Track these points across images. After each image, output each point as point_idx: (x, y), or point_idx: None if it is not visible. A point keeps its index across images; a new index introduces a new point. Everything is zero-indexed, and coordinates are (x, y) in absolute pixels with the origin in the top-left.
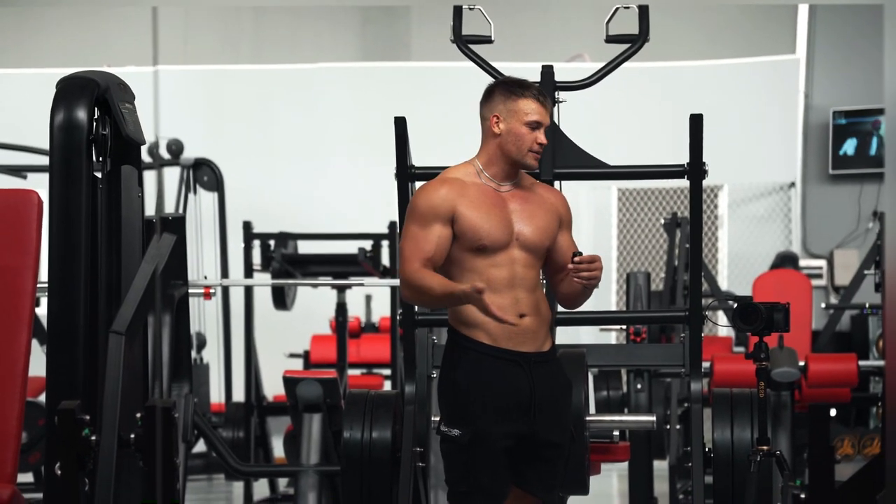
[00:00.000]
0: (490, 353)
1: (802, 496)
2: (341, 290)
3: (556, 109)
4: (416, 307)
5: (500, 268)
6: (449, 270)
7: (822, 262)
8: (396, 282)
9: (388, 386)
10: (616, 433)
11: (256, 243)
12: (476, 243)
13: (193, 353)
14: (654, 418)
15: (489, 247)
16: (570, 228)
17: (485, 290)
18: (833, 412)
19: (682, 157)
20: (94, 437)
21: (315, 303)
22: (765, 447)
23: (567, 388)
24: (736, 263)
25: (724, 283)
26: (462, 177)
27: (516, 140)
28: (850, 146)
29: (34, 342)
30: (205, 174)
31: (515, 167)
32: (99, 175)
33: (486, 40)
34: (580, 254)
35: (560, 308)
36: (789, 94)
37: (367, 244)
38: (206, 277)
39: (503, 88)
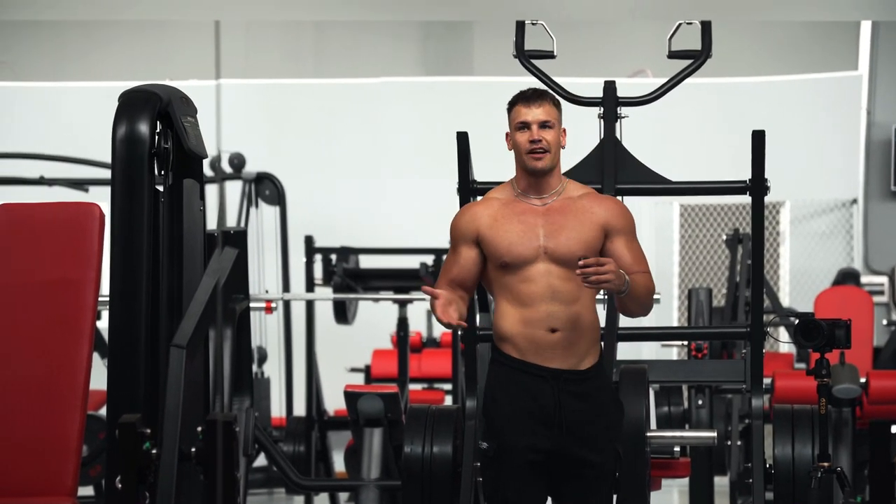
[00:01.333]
0: (517, 367)
1: None
2: (402, 304)
3: (618, 125)
4: (478, 322)
5: (531, 283)
6: (490, 289)
7: (884, 279)
8: None
9: (448, 401)
10: (677, 449)
11: (318, 257)
12: (498, 260)
13: (254, 367)
14: (714, 434)
15: (511, 263)
16: (627, 235)
17: (437, 296)
18: (894, 429)
19: (744, 173)
20: (154, 451)
21: (376, 317)
22: (825, 464)
23: (608, 406)
24: (797, 280)
25: (785, 300)
26: (499, 196)
27: (518, 149)
28: None
29: (95, 355)
30: (266, 188)
31: (533, 174)
32: (161, 188)
33: (549, 55)
34: (585, 257)
35: (622, 323)
36: (851, 110)
37: (429, 259)
38: (267, 291)
39: (507, 108)
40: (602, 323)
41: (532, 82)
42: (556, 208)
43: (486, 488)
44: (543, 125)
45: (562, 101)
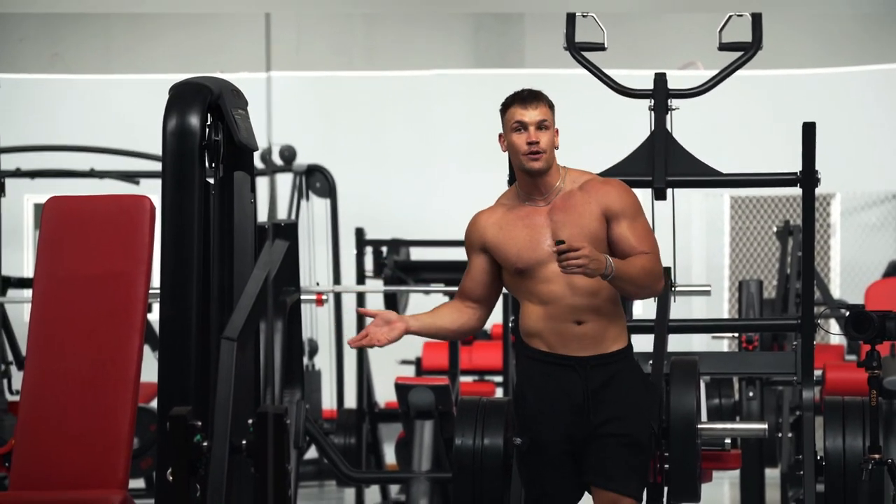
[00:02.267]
0: (545, 360)
1: None
2: (453, 296)
3: (668, 117)
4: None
5: (549, 283)
6: (514, 294)
7: None
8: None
9: (499, 393)
10: (728, 441)
11: (368, 250)
12: (511, 268)
13: (305, 360)
14: (765, 426)
15: (524, 268)
16: (628, 217)
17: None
18: None
19: (795, 165)
20: (205, 444)
21: (427, 309)
22: (877, 455)
23: (639, 384)
24: (848, 272)
25: (836, 292)
26: (505, 202)
27: (513, 150)
28: None
29: (146, 348)
30: (317, 180)
31: (531, 176)
32: (211, 181)
33: (600, 47)
34: (562, 242)
35: (672, 314)
36: None
37: None
38: (318, 284)
39: (500, 109)
40: (641, 315)
41: (583, 74)
42: (559, 206)
43: (522, 482)
44: (540, 125)
45: (612, 93)
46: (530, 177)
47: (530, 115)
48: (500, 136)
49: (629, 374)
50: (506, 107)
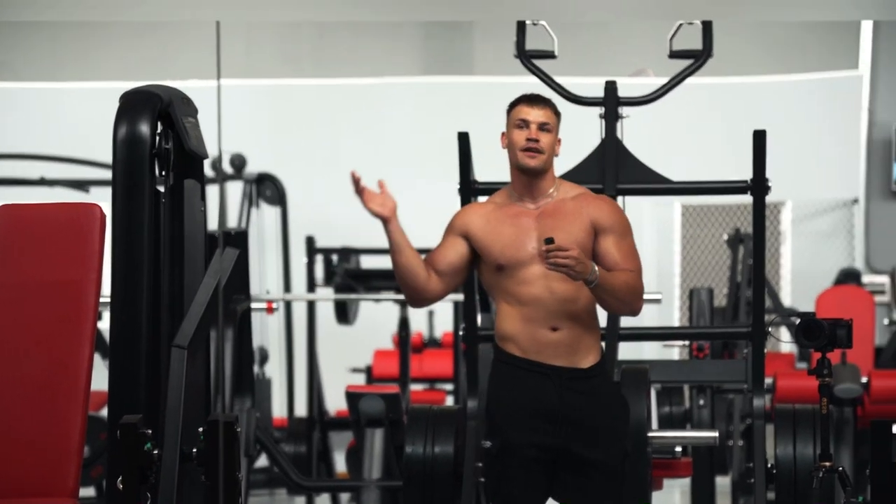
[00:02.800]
0: (519, 365)
1: None
2: (404, 304)
3: (619, 125)
4: (479, 322)
5: (528, 284)
6: (490, 293)
7: (885, 279)
8: (459, 297)
9: (450, 401)
10: (678, 449)
11: (319, 258)
12: (493, 263)
13: (256, 368)
14: (716, 434)
15: (506, 265)
16: (616, 234)
17: (356, 178)
18: None
19: (745, 173)
20: (156, 452)
21: (378, 317)
22: (827, 463)
23: (614, 406)
24: (799, 279)
25: (786, 300)
26: (498, 200)
27: (511, 146)
28: None
29: (96, 356)
30: (268, 188)
31: (526, 174)
32: (162, 189)
33: (550, 55)
34: (551, 241)
35: (623, 322)
36: (852, 110)
37: None
38: (268, 292)
39: (507, 108)
40: (603, 323)
41: (533, 82)
42: (549, 211)
43: (489, 486)
44: (542, 127)
45: (563, 100)
46: (525, 175)
47: (534, 114)
48: (503, 134)
49: (606, 390)
50: (513, 105)
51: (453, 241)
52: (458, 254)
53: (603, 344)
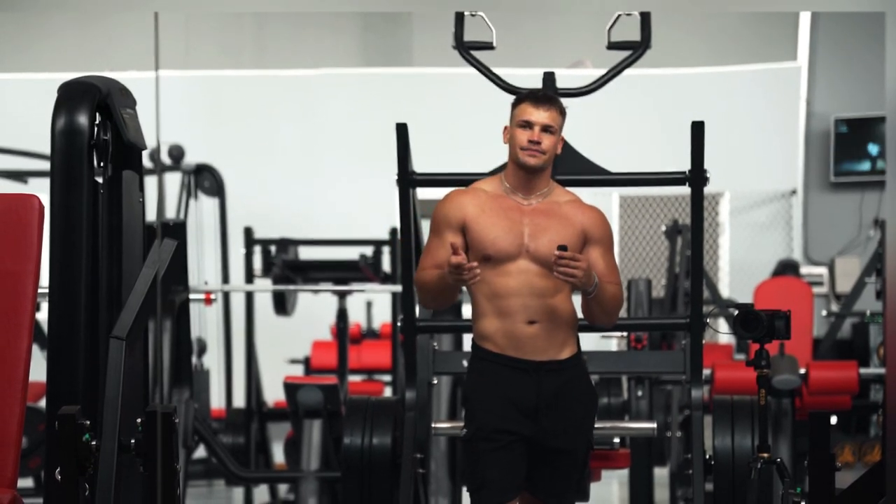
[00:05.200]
0: (497, 361)
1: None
2: (342, 295)
3: None
4: (417, 313)
5: (509, 277)
6: (472, 287)
7: (824, 270)
8: (397, 288)
9: (388, 392)
10: (616, 440)
11: (257, 249)
12: (482, 252)
13: (194, 359)
14: (654, 425)
15: (494, 256)
16: (603, 247)
17: (458, 257)
18: (834, 420)
19: (683, 165)
20: (94, 443)
21: (316, 309)
22: (765, 454)
23: (586, 396)
24: (737, 271)
25: (725, 291)
26: (486, 188)
27: (512, 143)
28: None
29: (35, 347)
30: (206, 179)
31: (524, 171)
32: (100, 180)
33: (488, 46)
34: (565, 248)
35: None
36: (791, 101)
37: (368, 250)
38: (206, 283)
39: (513, 102)
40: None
41: (472, 73)
42: (541, 210)
43: (465, 471)
44: (546, 129)
45: (500, 92)
46: (523, 172)
47: (540, 115)
48: (505, 128)
49: (579, 383)
50: (518, 102)
51: (456, 239)
52: (463, 249)
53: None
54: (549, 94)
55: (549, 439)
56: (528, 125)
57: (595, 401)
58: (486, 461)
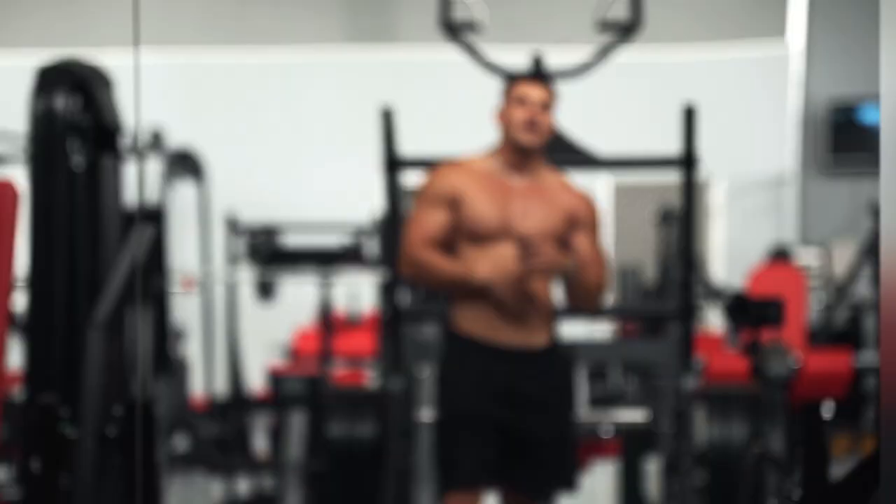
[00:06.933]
0: (470, 345)
1: (796, 494)
2: (326, 283)
3: None
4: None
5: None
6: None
7: (818, 256)
8: (382, 275)
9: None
10: (607, 429)
11: (239, 235)
12: (471, 231)
13: (174, 348)
14: (645, 415)
15: (480, 234)
16: (589, 230)
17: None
18: (828, 409)
19: (676, 149)
20: (72, 433)
21: (299, 296)
22: (759, 444)
23: (563, 384)
24: (730, 257)
25: (717, 278)
26: (482, 166)
27: (508, 120)
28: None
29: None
30: (186, 164)
31: (520, 150)
32: (78, 165)
33: (475, 27)
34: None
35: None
36: (785, 84)
37: (353, 236)
38: (187, 270)
39: (506, 80)
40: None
41: (459, 54)
42: (530, 191)
43: (439, 455)
44: (542, 106)
45: (487, 74)
46: (519, 151)
47: (537, 93)
48: (498, 109)
49: (555, 371)
50: (512, 80)
51: (447, 216)
52: (453, 226)
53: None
54: (543, 73)
55: (526, 429)
56: (522, 101)
57: (573, 390)
58: (456, 445)
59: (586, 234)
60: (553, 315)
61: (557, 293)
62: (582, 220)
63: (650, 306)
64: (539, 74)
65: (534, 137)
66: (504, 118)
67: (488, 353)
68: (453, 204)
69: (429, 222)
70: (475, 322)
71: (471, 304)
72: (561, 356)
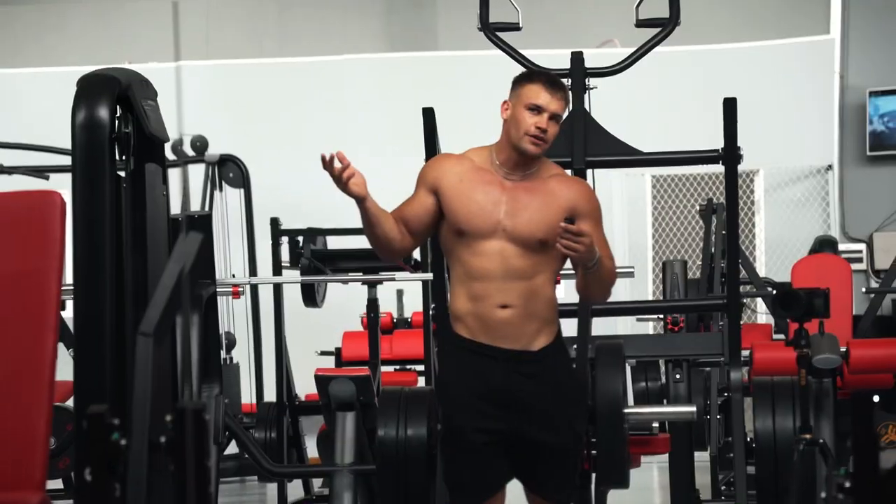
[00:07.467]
0: (466, 347)
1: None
2: (372, 285)
3: (586, 96)
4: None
5: (483, 257)
6: (447, 259)
7: (862, 246)
8: (429, 276)
9: (421, 382)
10: (655, 425)
11: (284, 240)
12: (454, 226)
13: (223, 353)
14: (693, 409)
15: (468, 232)
16: (592, 220)
17: (325, 159)
18: (876, 398)
19: (717, 142)
20: (123, 442)
21: (346, 299)
22: (807, 436)
23: (567, 387)
24: (774, 249)
25: (762, 270)
26: (472, 158)
27: (516, 124)
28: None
29: (61, 346)
30: (230, 171)
31: (520, 154)
32: (122, 174)
33: (514, 27)
34: (572, 221)
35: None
36: (824, 75)
37: None
38: (234, 276)
39: (518, 77)
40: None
41: (498, 55)
42: (524, 188)
43: (444, 470)
44: (554, 117)
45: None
46: (518, 155)
47: (552, 103)
48: (506, 102)
49: (558, 373)
50: (528, 80)
51: (424, 199)
52: (428, 212)
53: (574, 320)
54: (560, 81)
55: (531, 433)
56: (537, 110)
57: (579, 390)
58: (459, 462)
59: (589, 223)
60: (555, 313)
61: (558, 293)
62: (583, 211)
63: (695, 299)
64: (557, 80)
65: (538, 149)
66: (513, 118)
67: (482, 354)
68: (432, 190)
69: (405, 203)
70: (468, 319)
71: (464, 298)
72: (565, 357)
